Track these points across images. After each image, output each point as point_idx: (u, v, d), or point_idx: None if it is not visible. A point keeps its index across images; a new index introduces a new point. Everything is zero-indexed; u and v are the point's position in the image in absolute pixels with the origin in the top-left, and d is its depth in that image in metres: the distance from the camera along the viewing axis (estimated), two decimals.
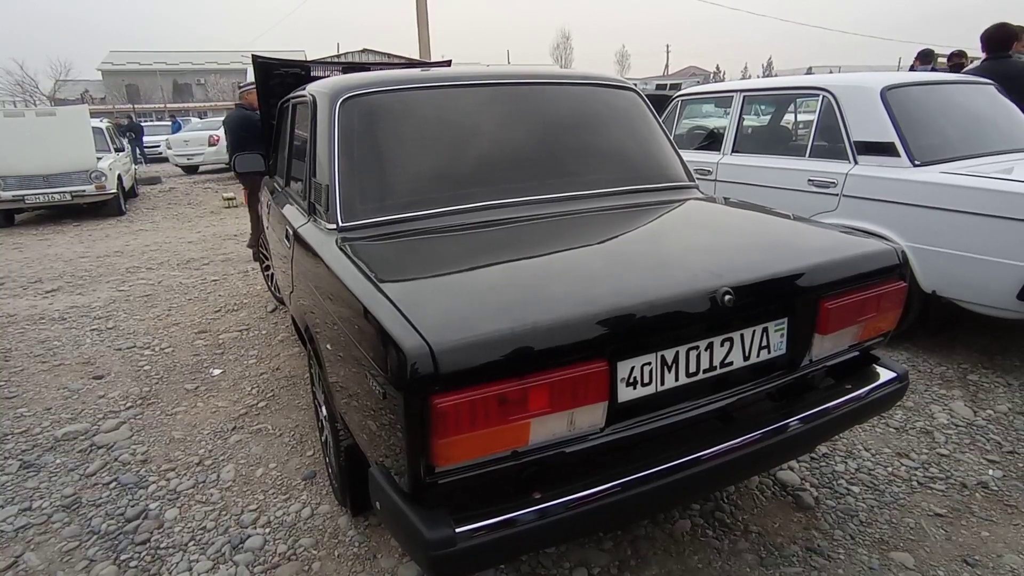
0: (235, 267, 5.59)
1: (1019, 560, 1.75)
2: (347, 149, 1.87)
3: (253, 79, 3.65)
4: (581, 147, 2.19)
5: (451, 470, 1.21)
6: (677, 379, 1.39)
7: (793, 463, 2.21)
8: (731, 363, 1.46)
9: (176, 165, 15.22)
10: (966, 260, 2.70)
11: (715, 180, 4.01)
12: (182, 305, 4.47)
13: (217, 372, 3.26)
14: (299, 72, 3.45)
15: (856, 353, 1.74)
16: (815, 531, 1.89)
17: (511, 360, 1.16)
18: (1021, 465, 2.19)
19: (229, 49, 49.81)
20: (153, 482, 2.28)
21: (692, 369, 1.40)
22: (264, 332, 3.83)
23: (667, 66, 60.35)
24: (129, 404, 2.92)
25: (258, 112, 3.73)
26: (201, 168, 14.97)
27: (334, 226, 1.79)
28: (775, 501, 2.03)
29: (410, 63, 9.88)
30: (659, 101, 5.11)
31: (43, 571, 1.87)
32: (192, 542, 1.95)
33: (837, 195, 3.21)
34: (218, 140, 13.92)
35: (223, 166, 14.06)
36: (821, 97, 3.39)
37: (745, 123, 4.12)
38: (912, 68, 7.11)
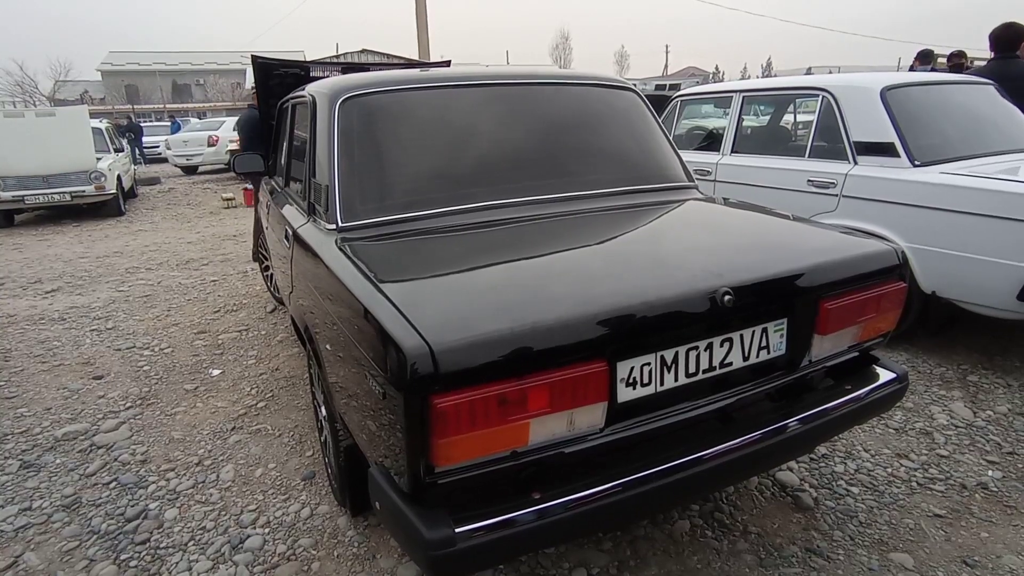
0: (234, 267, 5.59)
1: (1018, 561, 1.75)
2: (347, 149, 1.87)
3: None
4: (580, 147, 2.19)
5: (451, 470, 1.21)
6: (677, 379, 1.39)
7: (792, 464, 2.21)
8: (731, 363, 1.46)
9: (175, 165, 15.19)
10: (966, 260, 2.70)
11: (714, 180, 4.01)
12: (181, 305, 4.48)
13: (216, 372, 3.26)
14: (298, 72, 3.46)
15: (856, 354, 1.74)
16: (814, 532, 1.89)
17: (511, 360, 1.17)
18: (1021, 466, 2.19)
19: (228, 50, 49.75)
20: (153, 482, 2.28)
21: (692, 369, 1.40)
22: (263, 332, 3.83)
23: (666, 66, 60.45)
24: (129, 404, 2.92)
25: None
26: (200, 169, 14.96)
27: (334, 226, 1.79)
28: (774, 502, 2.03)
29: (409, 63, 9.90)
30: (658, 101, 5.12)
31: (43, 571, 1.87)
32: (192, 542, 1.95)
33: (837, 195, 3.21)
34: (217, 140, 13.93)
35: (222, 167, 14.07)
36: (821, 97, 3.39)
37: (744, 123, 4.12)
38: (912, 68, 7.11)
